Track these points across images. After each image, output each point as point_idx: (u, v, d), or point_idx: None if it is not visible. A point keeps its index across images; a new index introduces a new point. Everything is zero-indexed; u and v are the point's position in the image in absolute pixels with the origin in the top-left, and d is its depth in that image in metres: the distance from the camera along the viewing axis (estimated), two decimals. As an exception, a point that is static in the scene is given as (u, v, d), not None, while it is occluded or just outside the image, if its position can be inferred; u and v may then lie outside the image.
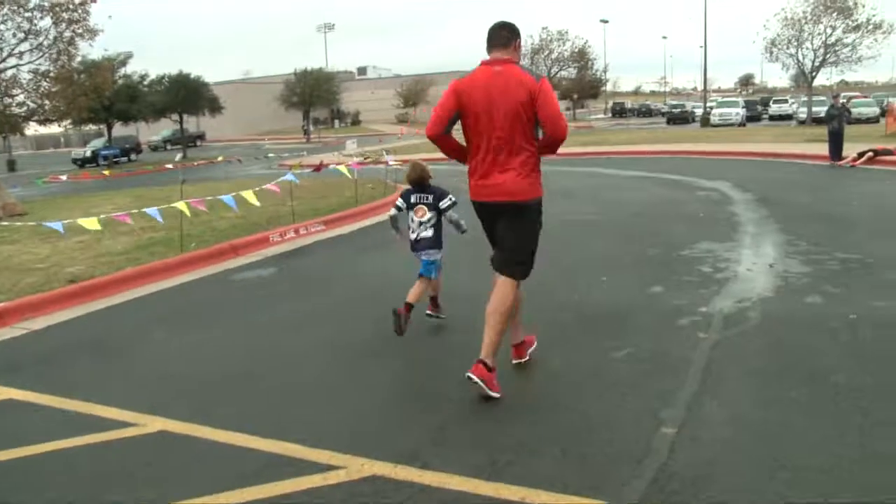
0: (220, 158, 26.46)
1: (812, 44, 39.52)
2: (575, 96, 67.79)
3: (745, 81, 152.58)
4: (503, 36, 4.48)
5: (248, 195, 10.22)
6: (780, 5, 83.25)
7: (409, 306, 5.62)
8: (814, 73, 40.72)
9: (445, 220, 5.84)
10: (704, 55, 50.80)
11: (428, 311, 6.04)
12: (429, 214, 5.78)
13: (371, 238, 10.87)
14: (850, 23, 38.17)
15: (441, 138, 4.54)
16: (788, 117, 51.49)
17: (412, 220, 5.86)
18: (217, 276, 8.72)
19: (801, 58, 40.24)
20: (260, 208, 12.32)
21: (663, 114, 64.16)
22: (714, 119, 46.30)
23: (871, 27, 38.11)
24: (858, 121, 39.70)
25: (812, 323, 5.58)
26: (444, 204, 5.77)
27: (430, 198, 5.79)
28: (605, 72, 74.71)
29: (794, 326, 5.51)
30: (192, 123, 58.47)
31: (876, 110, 43.54)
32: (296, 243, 10.63)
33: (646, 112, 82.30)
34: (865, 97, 58.84)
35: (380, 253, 9.56)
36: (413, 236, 5.85)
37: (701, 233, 9.51)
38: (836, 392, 4.30)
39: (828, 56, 39.49)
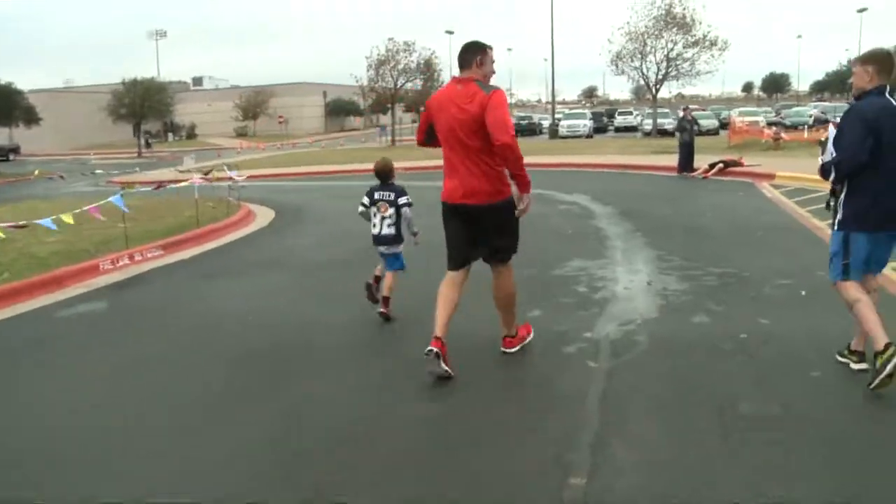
0: (36, 173, 24.24)
1: (655, 57, 41.94)
2: (422, 108, 68.15)
3: (589, 94, 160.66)
4: (465, 59, 5.05)
5: (67, 217, 9.14)
6: (623, 20, 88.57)
7: (386, 299, 6.40)
8: (657, 86, 43.13)
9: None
10: (552, 67, 52.73)
11: (381, 310, 6.43)
12: (391, 211, 6.34)
13: (216, 263, 10.03)
14: (690, 38, 40.83)
15: (425, 145, 5.37)
16: (633, 129, 54.26)
17: (375, 216, 6.37)
18: (36, 313, 7.65)
19: (645, 71, 42.57)
20: (88, 231, 11.13)
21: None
22: (562, 131, 47.86)
23: (707, 43, 40.93)
24: (700, 132, 42.32)
25: (704, 345, 5.46)
26: (401, 201, 6.34)
27: (392, 195, 6.35)
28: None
29: (687, 350, 5.37)
30: (3, 135, 53.98)
31: (715, 122, 46.72)
32: (130, 271, 9.62)
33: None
34: (704, 110, 63.22)
35: (227, 280, 8.79)
36: (375, 231, 6.41)
37: (571, 249, 9.43)
38: (748, 424, 4.13)
39: (670, 70, 41.96)
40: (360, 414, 4.53)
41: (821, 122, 46.69)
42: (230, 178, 14.84)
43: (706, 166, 19.35)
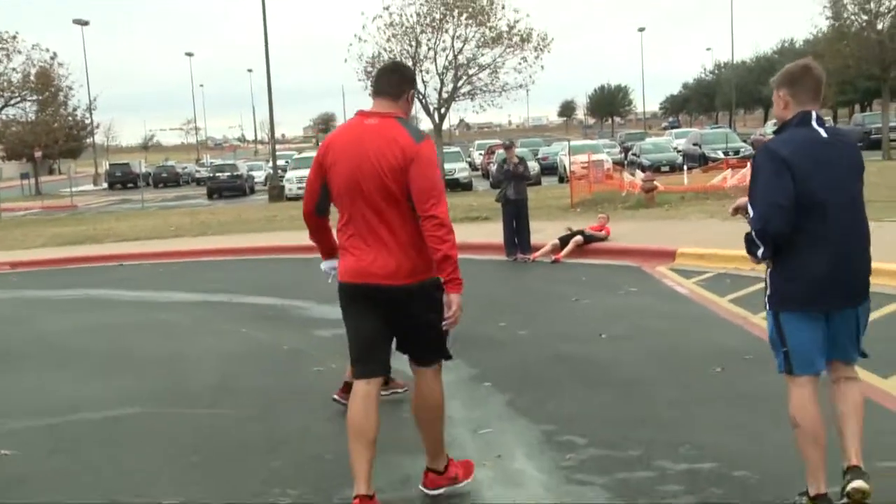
0: None
1: (437, 64, 42.18)
2: (38, 154, 64.53)
3: (325, 125, 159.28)
4: (390, 86, 5.79)
5: None
6: (378, 3, 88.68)
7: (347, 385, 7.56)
8: (442, 110, 43.12)
9: None
10: (269, 85, 51.55)
11: (336, 396, 8.16)
12: None
13: None
14: (489, 31, 41.15)
15: (311, 219, 6.22)
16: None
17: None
18: None
19: (421, 87, 42.27)
20: None
21: (200, 181, 64.17)
22: (291, 188, 47.05)
23: (516, 39, 41.45)
24: (529, 182, 42.28)
25: None
26: None
27: None
28: (90, 110, 72.71)
29: None
30: None
31: (534, 165, 47.21)
32: None
33: (169, 180, 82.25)
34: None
35: None
36: None
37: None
38: None
39: (460, 84, 42.05)
40: None
41: (695, 159, 49.15)
42: None
43: (555, 242, 18.54)
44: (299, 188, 46.59)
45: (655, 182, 28.17)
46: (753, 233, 5.22)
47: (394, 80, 5.77)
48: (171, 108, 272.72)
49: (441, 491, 6.13)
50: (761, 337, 10.26)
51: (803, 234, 5.11)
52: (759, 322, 10.94)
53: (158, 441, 8.07)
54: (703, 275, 14.99)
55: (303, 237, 22.79)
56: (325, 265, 6.95)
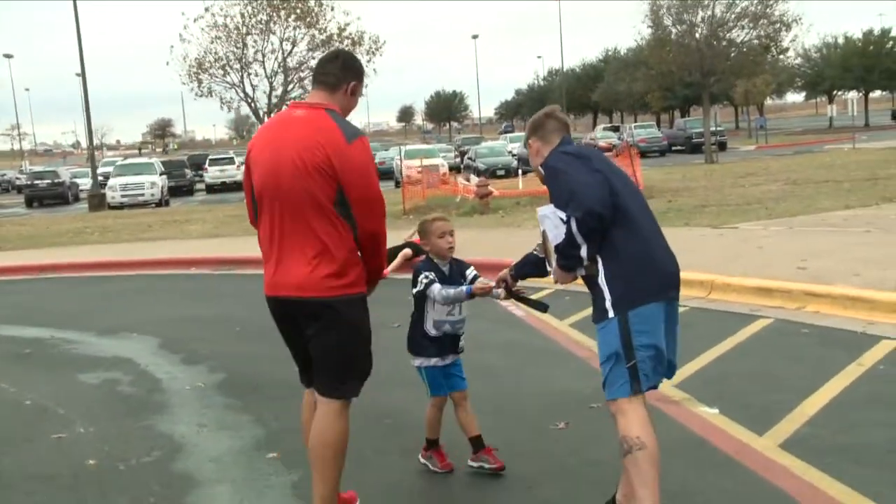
0: None
1: (266, 67, 39.74)
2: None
3: (162, 131, 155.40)
4: (330, 75, 5.24)
5: None
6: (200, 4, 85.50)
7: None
8: (272, 114, 40.87)
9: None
10: (84, 88, 48.26)
11: (472, 462, 6.33)
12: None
13: None
14: (318, 33, 39.03)
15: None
16: (238, 186, 51.96)
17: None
18: None
19: (250, 91, 40.07)
20: None
21: (21, 189, 60.77)
22: (115, 196, 44.22)
23: (347, 42, 39.46)
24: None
25: None
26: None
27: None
28: None
29: None
30: None
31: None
32: None
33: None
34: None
35: None
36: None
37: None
38: None
39: (291, 86, 39.93)
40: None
41: (529, 163, 47.96)
42: None
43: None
44: (123, 196, 44.02)
45: (490, 187, 26.54)
46: (573, 231, 4.84)
47: (330, 68, 5.21)
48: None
49: None
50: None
51: (631, 228, 4.97)
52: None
53: None
54: (541, 291, 12.99)
55: (112, 251, 20.09)
56: None
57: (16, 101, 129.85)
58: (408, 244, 16.25)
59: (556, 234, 5.00)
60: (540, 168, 5.23)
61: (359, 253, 5.20)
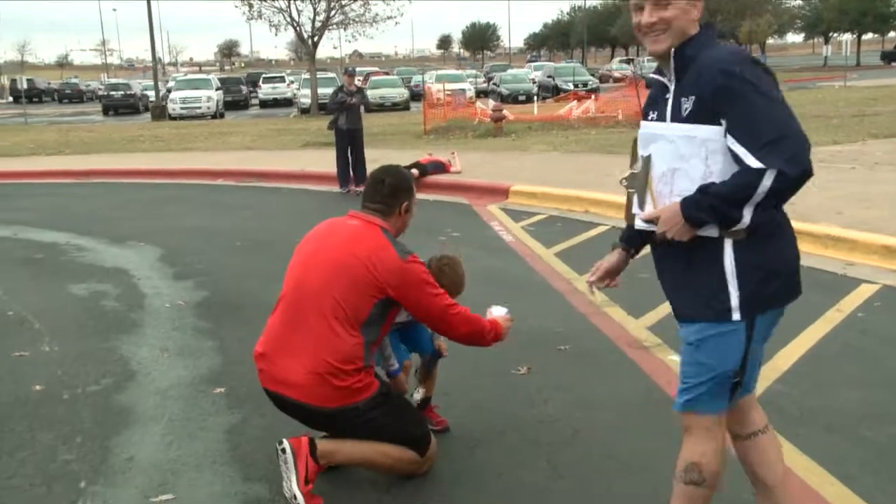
0: None
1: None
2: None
3: (228, 51, 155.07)
4: (379, 201, 4.36)
5: None
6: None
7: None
8: (315, 38, 39.53)
9: None
10: (149, 10, 46.75)
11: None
12: None
13: None
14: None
15: None
16: (288, 102, 50.86)
17: None
18: None
19: (295, 15, 38.65)
20: None
21: (101, 98, 59.54)
22: (175, 108, 43.04)
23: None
24: (383, 107, 39.57)
25: None
26: None
27: None
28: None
29: None
30: None
31: (404, 92, 44.42)
32: None
33: (73, 96, 78.01)
34: (388, 73, 61.22)
35: None
36: None
37: None
38: None
39: (333, 14, 38.48)
40: None
41: (549, 90, 46.52)
42: None
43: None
44: (182, 108, 42.93)
45: (504, 112, 25.23)
46: (772, 179, 2.93)
47: (379, 197, 4.34)
48: (89, 31, 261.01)
49: None
50: (584, 314, 7.25)
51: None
52: (582, 289, 7.88)
53: None
54: (534, 217, 11.86)
55: (156, 159, 18.86)
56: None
57: (102, 19, 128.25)
58: (415, 165, 15.12)
59: (710, 171, 3.07)
60: (717, 71, 3.01)
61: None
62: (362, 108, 15.76)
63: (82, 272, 9.59)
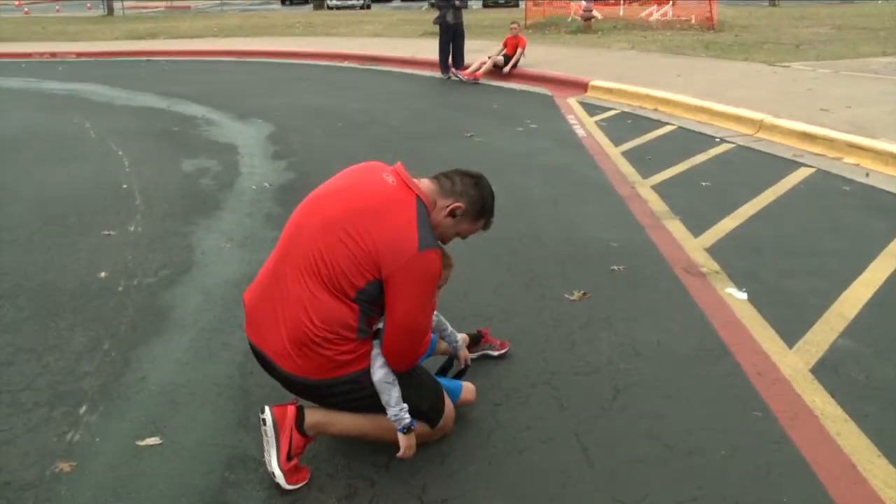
0: None
1: None
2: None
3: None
4: (457, 181, 2.75)
5: None
6: None
7: None
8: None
9: None
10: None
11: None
12: None
13: None
14: None
15: None
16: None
17: None
18: None
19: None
20: None
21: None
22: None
23: None
24: (497, 3, 36.74)
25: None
26: None
27: None
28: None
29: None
30: None
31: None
32: None
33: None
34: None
35: None
36: None
37: None
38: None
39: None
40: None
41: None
42: None
43: (485, 60, 13.27)
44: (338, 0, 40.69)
45: (594, 12, 22.53)
46: None
47: (459, 180, 2.71)
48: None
49: None
50: (643, 226, 5.54)
51: None
52: (644, 196, 6.15)
53: None
54: (607, 112, 9.95)
55: (300, 42, 17.16)
56: None
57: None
58: (494, 60, 13.19)
59: None
60: None
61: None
62: (466, 5, 13.77)
63: (200, 147, 8.24)
